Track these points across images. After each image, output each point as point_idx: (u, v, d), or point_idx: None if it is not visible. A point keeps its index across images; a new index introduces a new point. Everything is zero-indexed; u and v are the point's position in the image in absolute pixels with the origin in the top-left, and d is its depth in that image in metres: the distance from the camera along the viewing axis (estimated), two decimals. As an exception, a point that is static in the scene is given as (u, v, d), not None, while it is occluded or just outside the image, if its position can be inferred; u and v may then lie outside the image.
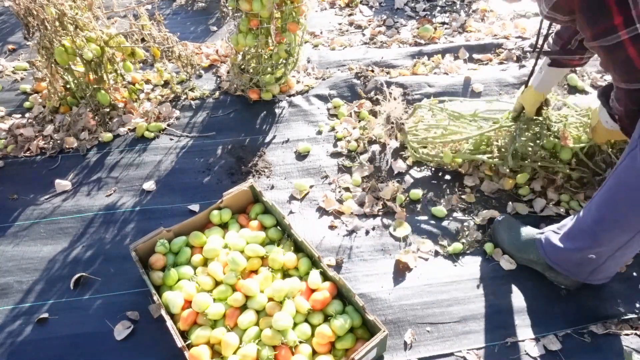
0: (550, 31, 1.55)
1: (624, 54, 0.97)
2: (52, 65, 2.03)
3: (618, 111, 1.18)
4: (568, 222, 1.37)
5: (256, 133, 2.14)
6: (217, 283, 1.45)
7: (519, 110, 1.73)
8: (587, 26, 1.00)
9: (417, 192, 1.78)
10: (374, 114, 2.17)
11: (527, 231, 1.52)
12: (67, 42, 1.96)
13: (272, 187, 1.88)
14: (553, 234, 1.41)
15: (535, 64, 1.64)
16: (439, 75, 2.38)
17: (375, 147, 2.02)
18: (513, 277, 1.51)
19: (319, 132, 2.13)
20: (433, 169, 1.90)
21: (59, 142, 2.08)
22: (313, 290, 1.39)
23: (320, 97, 2.32)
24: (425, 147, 1.92)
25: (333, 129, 2.14)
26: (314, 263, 1.47)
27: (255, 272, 1.46)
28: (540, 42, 1.54)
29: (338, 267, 1.58)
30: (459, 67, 2.44)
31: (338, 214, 1.75)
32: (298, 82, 2.42)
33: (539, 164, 1.72)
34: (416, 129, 1.93)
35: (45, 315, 1.47)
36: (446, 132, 1.85)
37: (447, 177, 1.86)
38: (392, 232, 1.67)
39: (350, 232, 1.69)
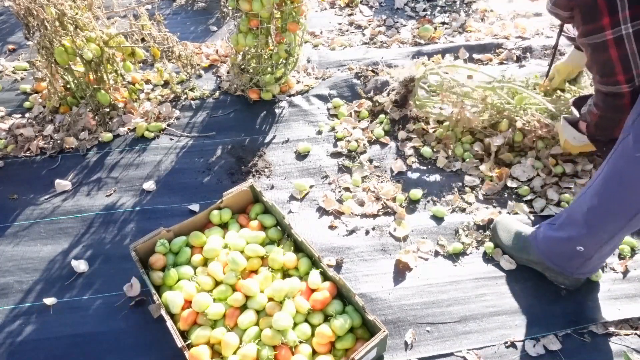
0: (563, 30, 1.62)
1: (606, 54, 1.04)
2: (52, 65, 2.03)
3: (591, 118, 1.24)
4: (563, 213, 1.38)
5: (256, 133, 2.14)
6: (217, 283, 1.45)
7: (552, 78, 1.89)
8: (580, 23, 1.07)
9: (417, 192, 1.78)
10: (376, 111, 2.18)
11: (527, 231, 1.52)
12: (67, 42, 1.96)
13: (272, 187, 1.88)
14: (548, 225, 1.42)
15: (552, 61, 1.80)
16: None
17: (376, 147, 2.02)
18: (513, 277, 1.51)
19: (319, 132, 2.13)
20: (432, 169, 1.90)
21: (59, 142, 2.08)
22: (313, 290, 1.39)
23: (320, 97, 2.32)
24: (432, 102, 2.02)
25: (333, 129, 2.14)
26: (314, 263, 1.47)
27: (255, 272, 1.46)
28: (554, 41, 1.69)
29: (338, 267, 1.58)
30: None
31: (338, 214, 1.75)
32: (298, 82, 2.42)
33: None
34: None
35: (51, 300, 1.49)
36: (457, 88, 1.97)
37: (448, 177, 1.86)
38: (392, 232, 1.67)
39: (350, 232, 1.69)
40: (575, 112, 1.43)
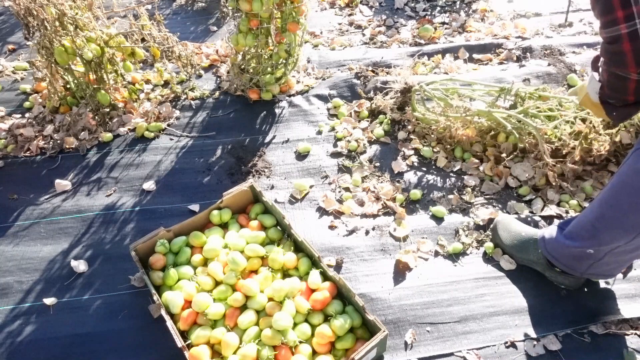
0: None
1: (619, 47, 1.01)
2: (52, 65, 2.03)
3: (602, 75, 1.17)
4: (573, 221, 1.37)
5: (256, 133, 2.14)
6: (217, 283, 1.45)
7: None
8: (599, 15, 1.05)
9: (417, 192, 1.78)
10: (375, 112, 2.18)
11: (527, 231, 1.52)
12: (67, 42, 1.96)
13: (272, 187, 1.88)
14: (558, 229, 1.40)
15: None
16: (439, 75, 2.38)
17: (375, 147, 2.02)
18: (513, 277, 1.51)
19: (319, 132, 2.13)
20: (433, 169, 1.90)
21: (59, 142, 2.08)
22: (313, 290, 1.39)
23: (320, 97, 2.32)
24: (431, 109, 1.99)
25: (333, 129, 2.14)
26: (314, 263, 1.47)
27: (255, 272, 1.46)
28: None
29: (338, 267, 1.58)
30: (458, 67, 2.44)
31: (338, 214, 1.75)
32: (298, 82, 2.42)
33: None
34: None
35: (51, 300, 1.49)
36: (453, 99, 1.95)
37: (447, 177, 1.86)
38: (392, 232, 1.67)
39: (350, 232, 1.69)
40: (596, 75, 1.27)
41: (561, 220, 1.44)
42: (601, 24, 1.03)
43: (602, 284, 1.47)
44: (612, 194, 1.20)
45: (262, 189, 1.84)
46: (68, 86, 2.19)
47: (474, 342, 1.35)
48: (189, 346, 1.29)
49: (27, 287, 1.55)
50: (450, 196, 1.78)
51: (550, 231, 1.43)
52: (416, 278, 1.53)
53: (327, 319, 1.34)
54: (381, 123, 2.11)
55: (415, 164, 1.93)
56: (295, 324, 1.32)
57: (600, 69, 1.19)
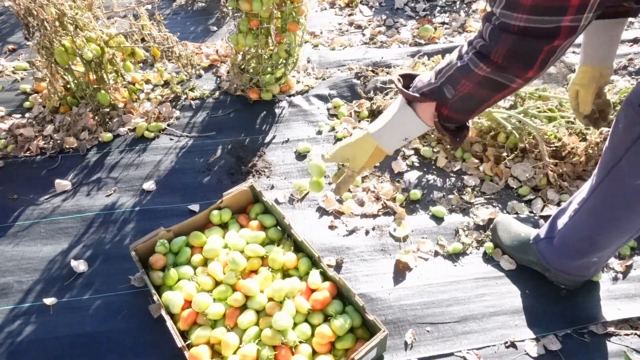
0: None
1: (547, 43, 0.72)
2: (52, 65, 2.03)
3: (462, 86, 0.81)
4: (558, 226, 1.35)
5: (256, 133, 2.14)
6: (217, 283, 1.45)
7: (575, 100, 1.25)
8: None
9: (417, 192, 1.78)
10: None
11: (526, 231, 1.52)
12: (67, 42, 1.96)
13: (272, 187, 1.88)
14: (547, 243, 1.39)
15: None
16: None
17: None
18: (513, 277, 1.51)
19: (319, 132, 2.13)
20: (432, 169, 1.90)
21: (59, 142, 2.08)
22: (313, 290, 1.38)
23: (320, 97, 2.32)
24: None
25: (333, 129, 2.14)
26: (314, 263, 1.47)
27: (255, 272, 1.46)
28: None
29: (338, 267, 1.58)
30: (459, 67, 2.43)
31: (338, 214, 1.75)
32: (298, 82, 2.42)
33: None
34: None
35: (51, 300, 1.49)
36: None
37: (447, 177, 1.86)
38: (392, 232, 1.67)
39: (350, 232, 1.69)
40: (404, 89, 0.93)
41: (545, 230, 1.40)
42: (531, 8, 0.68)
43: (602, 284, 1.47)
44: (607, 203, 1.17)
45: (262, 189, 1.84)
46: (68, 86, 2.19)
47: (474, 342, 1.35)
48: (189, 346, 1.29)
49: (27, 287, 1.55)
50: (450, 196, 1.78)
51: (543, 246, 1.40)
52: (416, 278, 1.53)
53: (327, 319, 1.34)
54: (381, 123, 2.11)
55: (415, 164, 1.93)
56: (295, 324, 1.31)
57: (461, 69, 0.81)
